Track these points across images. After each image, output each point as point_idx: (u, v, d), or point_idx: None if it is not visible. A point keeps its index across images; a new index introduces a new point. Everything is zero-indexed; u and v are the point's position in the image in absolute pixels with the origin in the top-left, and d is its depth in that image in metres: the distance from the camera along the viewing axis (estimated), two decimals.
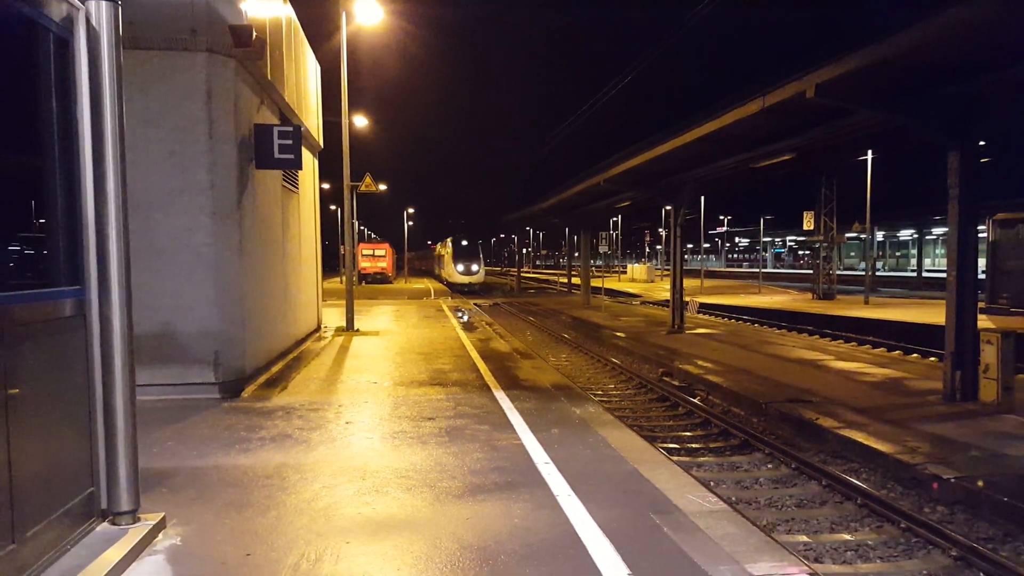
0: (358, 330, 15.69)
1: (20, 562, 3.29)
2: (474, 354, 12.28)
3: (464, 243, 48.93)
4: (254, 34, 7.15)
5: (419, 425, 7.04)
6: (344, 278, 43.66)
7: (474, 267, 47.37)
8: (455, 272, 46.95)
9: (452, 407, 7.89)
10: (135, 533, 4.00)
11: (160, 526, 4.26)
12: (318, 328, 15.11)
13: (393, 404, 8.04)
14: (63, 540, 3.69)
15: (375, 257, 53.95)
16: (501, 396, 8.50)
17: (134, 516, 4.14)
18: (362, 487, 5.18)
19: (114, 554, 3.74)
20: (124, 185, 3.97)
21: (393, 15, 15.83)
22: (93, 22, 3.85)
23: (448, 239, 52.38)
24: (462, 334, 15.59)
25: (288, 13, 11.08)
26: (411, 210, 76.22)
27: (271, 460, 5.82)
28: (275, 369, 10.35)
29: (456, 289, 44.28)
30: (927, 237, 58.89)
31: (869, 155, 27.34)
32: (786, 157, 15.00)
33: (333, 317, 17.55)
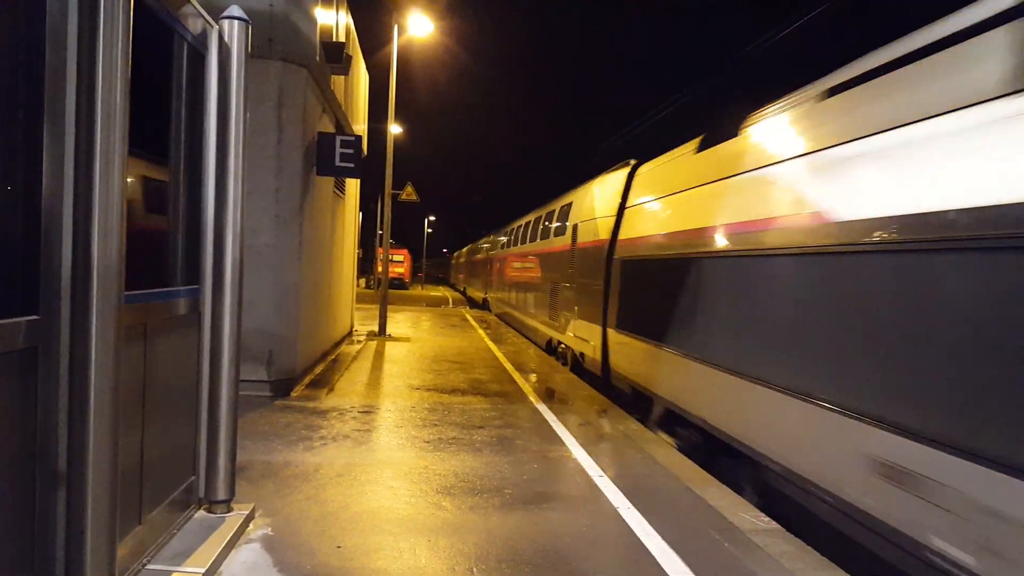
0: (390, 335, 15.92)
1: (143, 544, 3.51)
2: (508, 366, 12.48)
3: None
4: (345, 51, 7.43)
5: (471, 433, 7.24)
6: (365, 282, 43.75)
7: None
8: None
9: (498, 417, 8.09)
10: (232, 522, 4.22)
11: (251, 516, 4.48)
12: (351, 332, 15.36)
13: (442, 411, 8.24)
14: (171, 525, 3.92)
15: (393, 262, 54.30)
16: (544, 409, 8.68)
17: (228, 506, 4.36)
18: (430, 488, 5.39)
19: (216, 540, 3.96)
20: (243, 193, 4.23)
21: (438, 30, 16.16)
22: (225, 38, 4.12)
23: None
24: (491, 345, 15.79)
25: (349, 23, 11.40)
26: (431, 217, 75.54)
27: (338, 459, 6.04)
28: (318, 370, 10.59)
29: None
30: None
31: None
32: None
33: (358, 320, 17.80)
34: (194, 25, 3.93)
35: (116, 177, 2.52)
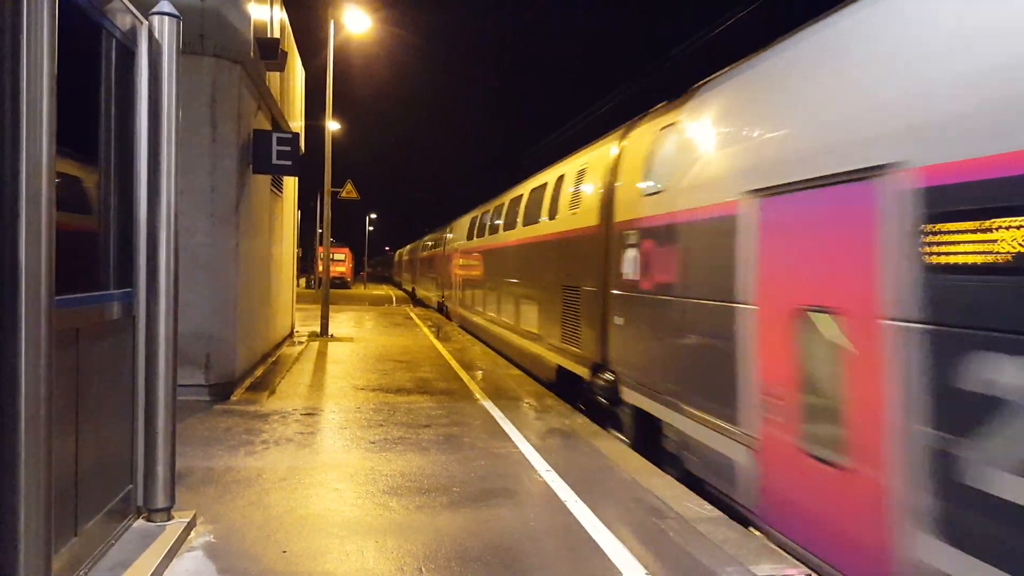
0: (332, 335, 15.70)
1: (80, 556, 3.40)
2: (453, 363, 12.47)
3: None
4: (280, 47, 7.27)
5: (417, 432, 7.22)
6: (306, 281, 42.85)
7: None
8: None
9: (445, 415, 8.08)
10: (172, 530, 4.12)
11: (192, 524, 4.37)
12: (292, 333, 15.08)
13: (388, 411, 8.19)
14: (109, 536, 3.80)
15: (334, 261, 53.32)
16: (490, 406, 8.72)
17: (168, 513, 4.25)
18: (376, 489, 5.36)
19: (157, 550, 3.86)
20: (177, 193, 4.12)
21: (377, 22, 15.98)
22: (156, 35, 4.01)
23: None
24: (436, 343, 15.74)
25: (283, 18, 11.18)
26: (372, 215, 74.38)
27: (280, 463, 5.94)
28: (258, 372, 10.37)
29: None
30: None
31: None
32: None
33: (299, 321, 17.50)
34: (122, 21, 3.81)
35: (43, 178, 2.43)
